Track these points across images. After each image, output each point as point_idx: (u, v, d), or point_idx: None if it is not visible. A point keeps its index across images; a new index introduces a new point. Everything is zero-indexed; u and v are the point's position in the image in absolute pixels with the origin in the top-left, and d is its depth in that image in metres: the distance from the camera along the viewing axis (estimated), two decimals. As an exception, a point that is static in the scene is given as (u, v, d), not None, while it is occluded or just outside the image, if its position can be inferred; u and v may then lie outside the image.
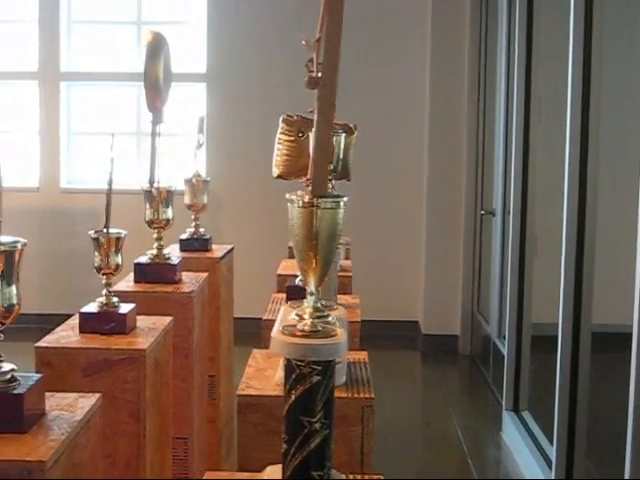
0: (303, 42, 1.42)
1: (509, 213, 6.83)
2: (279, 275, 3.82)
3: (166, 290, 3.53)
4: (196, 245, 4.34)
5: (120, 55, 8.52)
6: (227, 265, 4.50)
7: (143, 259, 3.66)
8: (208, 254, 4.37)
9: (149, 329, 2.93)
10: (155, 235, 3.64)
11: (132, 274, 3.72)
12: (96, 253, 2.83)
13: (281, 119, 3.12)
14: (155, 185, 3.61)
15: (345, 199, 1.44)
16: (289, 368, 1.42)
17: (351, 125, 3.18)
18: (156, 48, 3.40)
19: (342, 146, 2.40)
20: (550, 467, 4.58)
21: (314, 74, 1.37)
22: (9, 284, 1.98)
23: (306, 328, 1.39)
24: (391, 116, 8.30)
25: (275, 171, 3.14)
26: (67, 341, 2.76)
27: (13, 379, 2.02)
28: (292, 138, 3.08)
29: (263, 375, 2.43)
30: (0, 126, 8.54)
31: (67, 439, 1.96)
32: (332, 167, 2.39)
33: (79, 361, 2.70)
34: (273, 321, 3.04)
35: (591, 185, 4.42)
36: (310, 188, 1.38)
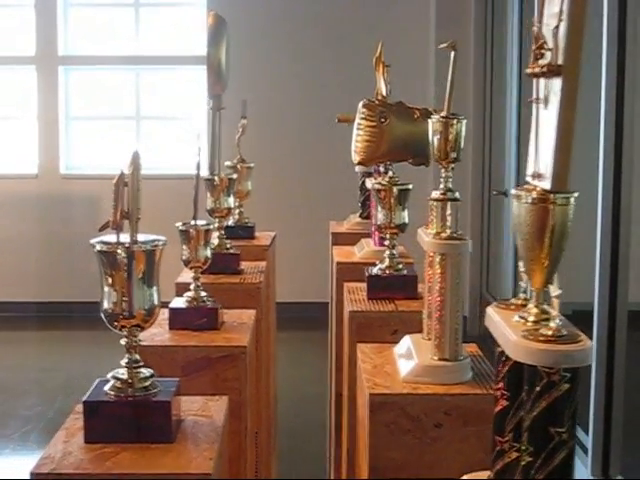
0: (534, 28, 1.32)
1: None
2: (339, 263, 3.72)
3: (232, 281, 3.42)
4: (241, 233, 4.22)
5: (118, 38, 8.35)
6: (272, 252, 4.39)
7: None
8: (255, 242, 4.26)
9: (238, 324, 2.82)
10: (217, 224, 3.52)
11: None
12: (184, 246, 2.71)
13: (361, 104, 3.03)
14: (216, 173, 3.48)
15: (576, 194, 1.34)
16: (532, 375, 1.33)
17: (431, 109, 3.09)
18: (218, 31, 3.28)
19: (463, 133, 2.30)
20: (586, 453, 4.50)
21: (552, 61, 1.27)
22: (150, 285, 1.87)
23: (550, 333, 1.30)
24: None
25: (355, 158, 3.04)
26: (162, 339, 2.65)
27: (153, 385, 1.91)
28: (374, 124, 2.99)
29: (383, 372, 2.34)
30: (-2, 112, 8.35)
31: (219, 448, 1.86)
32: (453, 156, 2.29)
33: (177, 360, 2.59)
34: (361, 312, 2.96)
35: (626, 165, 4.37)
36: (549, 182, 1.28)
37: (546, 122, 1.33)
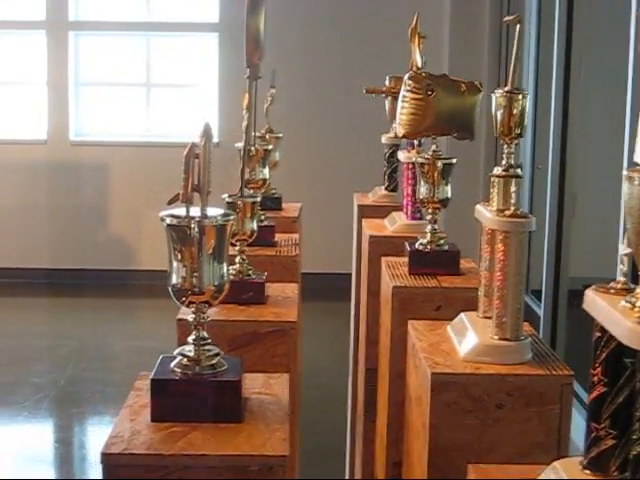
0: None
1: (539, 167, 6.75)
2: (372, 237, 3.68)
3: (268, 254, 3.37)
4: (269, 204, 4.16)
5: (129, 4, 8.24)
6: (299, 224, 4.34)
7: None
8: (282, 213, 4.21)
9: (283, 298, 2.78)
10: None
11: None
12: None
13: (407, 76, 2.97)
14: (251, 144, 3.42)
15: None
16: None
17: (477, 83, 3.04)
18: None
19: (527, 109, 2.24)
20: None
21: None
22: (220, 261, 1.82)
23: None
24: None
25: (400, 130, 2.99)
26: (211, 312, 2.59)
27: (220, 363, 1.87)
28: (420, 96, 2.93)
29: (440, 350, 2.30)
30: (7, 77, 8.25)
31: (289, 427, 1.82)
32: (517, 132, 2.24)
33: (225, 334, 2.54)
34: (405, 287, 2.91)
35: None
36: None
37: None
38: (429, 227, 3.10)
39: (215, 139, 8.19)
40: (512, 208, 2.20)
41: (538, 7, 6.75)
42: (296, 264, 3.34)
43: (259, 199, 2.72)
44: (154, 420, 1.80)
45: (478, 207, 2.35)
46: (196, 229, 1.77)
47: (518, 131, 2.25)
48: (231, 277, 2.61)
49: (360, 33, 7.92)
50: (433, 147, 3.08)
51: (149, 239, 8.28)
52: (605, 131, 6.10)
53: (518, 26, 2.25)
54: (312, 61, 8.02)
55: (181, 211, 1.82)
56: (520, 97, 2.23)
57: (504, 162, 2.27)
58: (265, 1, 3.26)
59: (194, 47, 8.33)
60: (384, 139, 4.49)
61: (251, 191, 3.42)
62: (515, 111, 2.24)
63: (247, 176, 3.37)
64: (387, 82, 4.53)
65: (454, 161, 3.07)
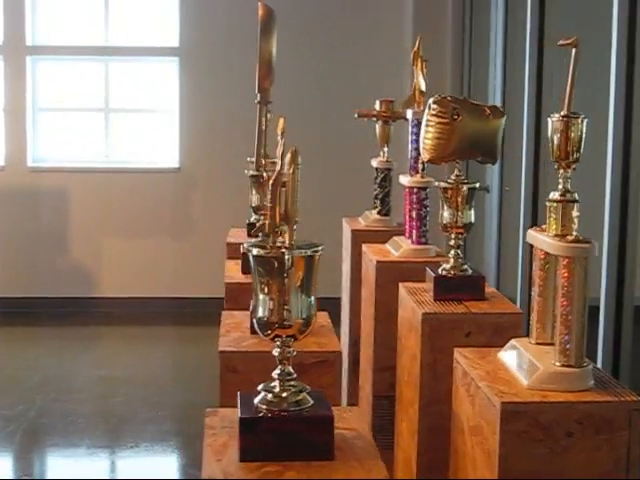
0: None
1: (507, 189, 6.77)
2: (380, 262, 3.64)
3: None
4: (265, 230, 4.10)
5: (87, 28, 8.13)
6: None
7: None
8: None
9: (318, 327, 2.72)
10: (261, 222, 3.40)
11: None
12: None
13: (432, 100, 2.95)
14: (262, 169, 3.38)
15: None
16: None
17: (499, 107, 3.04)
18: (269, 23, 3.18)
19: (584, 134, 2.23)
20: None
21: None
22: (308, 294, 1.77)
23: None
24: (364, 89, 8.09)
25: (425, 155, 2.97)
26: (248, 343, 2.54)
27: (305, 400, 1.81)
28: (446, 120, 2.92)
29: (499, 378, 2.27)
30: (-37, 103, 8.08)
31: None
32: (576, 156, 2.22)
33: (270, 366, 2.47)
34: (435, 314, 2.88)
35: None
36: None
37: None
38: (452, 252, 3.07)
39: (175, 164, 8.14)
40: (574, 233, 2.17)
41: (505, 11, 6.74)
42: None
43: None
44: (243, 460, 1.74)
45: (531, 232, 2.33)
46: (283, 260, 1.71)
47: (576, 156, 2.23)
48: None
49: (349, 57, 7.89)
50: (456, 172, 3.06)
51: (109, 266, 8.15)
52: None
53: (574, 50, 2.23)
54: (294, 83, 7.97)
55: (266, 242, 1.75)
56: (578, 121, 2.21)
57: (560, 187, 2.25)
58: (277, 25, 3.24)
59: (154, 72, 8.23)
60: (375, 163, 4.46)
61: (261, 217, 3.37)
62: (573, 135, 2.22)
63: (257, 202, 3.33)
64: (377, 106, 4.51)
65: (477, 185, 3.05)
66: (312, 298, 1.78)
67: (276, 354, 1.81)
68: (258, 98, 3.34)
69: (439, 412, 2.92)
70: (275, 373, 1.82)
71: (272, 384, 1.81)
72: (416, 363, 2.97)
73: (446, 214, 3.05)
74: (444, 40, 7.74)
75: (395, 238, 3.92)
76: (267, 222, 1.75)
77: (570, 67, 2.24)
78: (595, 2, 6.07)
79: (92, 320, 8.15)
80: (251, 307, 1.77)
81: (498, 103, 6.91)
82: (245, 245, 1.77)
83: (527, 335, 2.43)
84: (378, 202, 4.48)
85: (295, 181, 1.75)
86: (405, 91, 7.82)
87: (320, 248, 1.76)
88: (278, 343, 1.80)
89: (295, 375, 1.82)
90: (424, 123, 2.95)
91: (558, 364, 2.19)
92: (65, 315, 8.15)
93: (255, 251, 1.74)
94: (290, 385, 1.80)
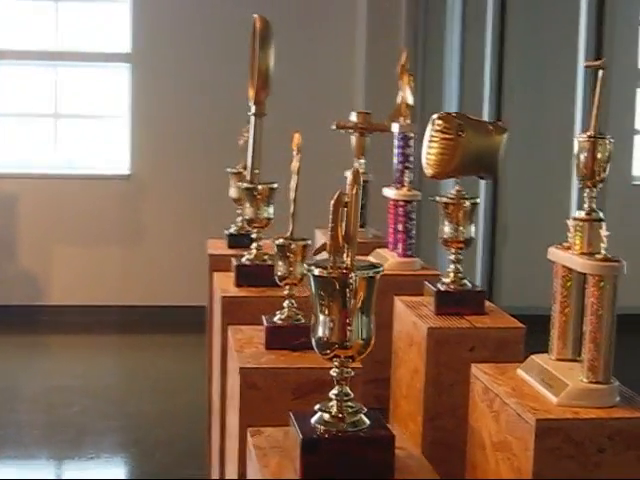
0: None
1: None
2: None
3: (279, 294, 3.31)
4: (245, 241, 4.09)
5: (37, 33, 8.01)
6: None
7: (243, 261, 3.43)
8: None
9: (330, 343, 2.72)
10: (254, 235, 3.41)
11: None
12: (280, 262, 2.60)
13: (436, 116, 2.97)
14: (256, 182, 3.37)
15: None
16: None
17: (501, 123, 3.08)
18: (267, 35, 3.17)
19: (610, 154, 2.27)
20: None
21: None
22: (368, 314, 1.77)
23: None
24: (313, 99, 8.11)
25: (428, 171, 3.00)
26: (267, 359, 2.54)
27: (362, 420, 1.81)
28: (450, 136, 2.94)
29: (526, 394, 2.30)
30: None
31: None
32: (603, 176, 2.26)
33: (289, 382, 2.48)
34: (439, 328, 2.90)
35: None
36: None
37: None
38: (452, 267, 3.10)
39: (127, 171, 8.05)
40: (603, 252, 2.21)
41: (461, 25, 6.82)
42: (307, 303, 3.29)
43: (309, 242, 2.66)
44: (304, 480, 1.73)
45: (554, 250, 2.36)
46: (345, 282, 1.71)
47: (602, 176, 2.27)
48: (279, 322, 2.57)
49: (297, 67, 7.87)
50: (457, 187, 3.08)
51: (59, 273, 8.03)
52: (539, 160, 6.23)
53: (601, 72, 2.28)
54: (180, 88, 7.93)
55: (326, 261, 1.75)
56: (606, 142, 2.25)
57: (586, 206, 2.29)
58: (274, 38, 3.24)
59: (105, 78, 8.14)
60: (348, 175, 4.46)
61: (255, 230, 3.37)
62: (600, 156, 2.26)
63: (251, 215, 3.32)
64: (354, 117, 4.53)
65: (478, 200, 3.09)
66: (371, 318, 1.78)
67: (334, 374, 1.81)
68: (253, 110, 3.33)
69: (442, 426, 2.95)
70: (332, 393, 1.82)
71: (330, 404, 1.81)
72: (418, 377, 2.99)
73: (447, 229, 3.07)
74: (397, 52, 7.77)
75: (379, 250, 3.94)
76: (329, 242, 1.75)
77: (597, 88, 2.27)
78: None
79: (42, 328, 8.03)
80: (311, 326, 1.76)
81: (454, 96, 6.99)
82: (305, 266, 1.76)
83: (544, 351, 2.46)
84: (354, 214, 4.48)
85: (357, 202, 1.75)
86: (357, 102, 7.88)
87: (381, 269, 1.76)
88: (336, 363, 1.80)
89: (352, 395, 1.82)
90: (427, 138, 2.97)
91: (586, 380, 2.22)
92: (14, 323, 8.01)
93: (317, 272, 1.74)
94: (348, 405, 1.80)
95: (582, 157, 2.28)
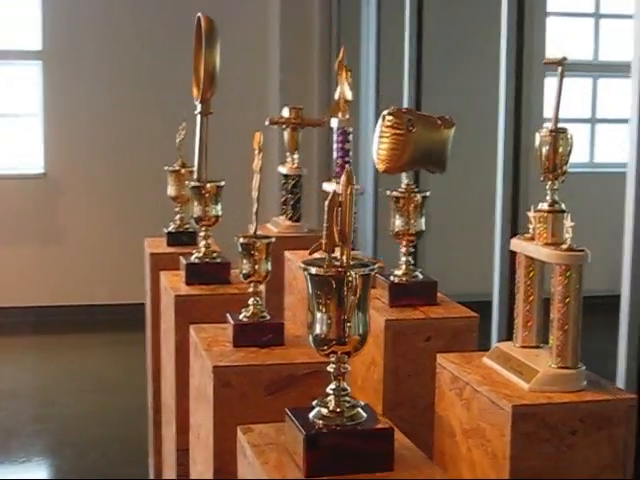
0: None
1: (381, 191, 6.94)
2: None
3: (231, 292, 3.34)
4: (185, 239, 4.11)
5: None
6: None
7: (192, 260, 3.44)
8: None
9: (294, 337, 2.77)
10: (202, 233, 3.42)
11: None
12: (245, 260, 2.63)
13: (386, 112, 3.03)
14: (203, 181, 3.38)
15: None
16: None
17: (448, 117, 3.15)
18: (213, 35, 3.19)
19: (572, 148, 2.36)
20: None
21: None
22: (364, 311, 1.82)
23: None
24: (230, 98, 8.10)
25: (380, 166, 3.05)
26: (237, 357, 2.56)
27: (359, 414, 1.86)
28: (401, 132, 3.01)
29: (496, 382, 2.37)
30: None
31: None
32: (565, 169, 2.35)
33: (261, 379, 2.52)
34: (397, 320, 2.96)
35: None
36: None
37: None
38: (404, 259, 3.16)
39: (41, 169, 7.94)
40: (568, 242, 2.30)
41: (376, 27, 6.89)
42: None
43: (274, 240, 2.70)
44: (308, 475, 1.77)
45: (517, 241, 2.44)
46: (341, 279, 1.76)
47: (564, 169, 2.35)
48: (245, 319, 2.60)
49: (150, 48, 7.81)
50: (407, 181, 3.15)
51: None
52: (460, 150, 6.31)
53: (560, 68, 2.36)
54: (92, 85, 7.86)
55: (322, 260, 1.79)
56: (567, 136, 2.34)
57: (548, 198, 2.37)
58: (220, 36, 3.26)
59: (16, 75, 8.00)
60: (286, 170, 4.51)
61: (203, 228, 3.39)
62: (561, 149, 2.34)
63: (199, 213, 3.34)
64: (286, 113, 4.56)
65: (428, 194, 3.15)
66: (367, 315, 1.83)
67: (331, 370, 1.85)
68: (199, 109, 3.34)
69: (401, 416, 3.00)
70: (330, 388, 1.85)
71: (327, 399, 1.85)
72: (376, 369, 3.04)
73: (398, 222, 3.13)
74: (311, 51, 7.83)
75: (320, 244, 3.98)
76: (324, 241, 1.79)
77: (557, 84, 2.36)
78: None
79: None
80: (307, 324, 1.80)
81: (371, 110, 7.08)
82: (300, 264, 1.80)
83: (507, 339, 2.54)
84: (289, 208, 4.52)
85: (351, 201, 1.79)
86: (272, 100, 7.91)
87: (376, 266, 1.81)
88: (333, 359, 1.84)
89: (349, 390, 1.86)
90: (377, 134, 3.02)
91: (555, 366, 2.31)
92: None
93: (314, 270, 1.77)
94: (345, 400, 1.85)
95: (544, 150, 2.36)
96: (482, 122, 5.70)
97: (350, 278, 1.76)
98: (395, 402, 3.00)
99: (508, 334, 4.99)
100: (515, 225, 5.02)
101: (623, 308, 4.14)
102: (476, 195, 6.85)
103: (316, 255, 1.80)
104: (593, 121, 8.90)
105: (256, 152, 2.62)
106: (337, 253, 1.80)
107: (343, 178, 1.80)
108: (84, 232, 7.96)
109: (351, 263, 1.80)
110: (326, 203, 1.79)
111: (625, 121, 8.58)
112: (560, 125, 2.36)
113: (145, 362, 4.85)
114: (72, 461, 5.51)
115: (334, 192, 1.79)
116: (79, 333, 7.96)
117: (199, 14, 3.28)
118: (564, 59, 2.35)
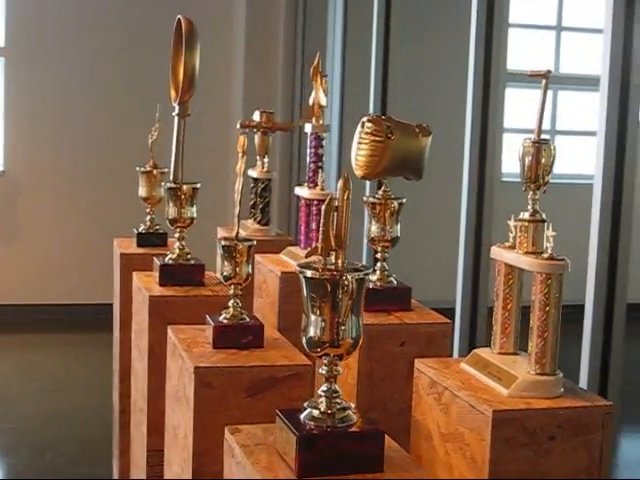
0: None
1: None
2: (285, 273, 3.71)
3: (205, 294, 3.35)
4: (155, 240, 4.11)
5: None
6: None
7: (166, 261, 3.45)
8: (169, 249, 4.15)
9: (273, 339, 2.79)
10: (177, 235, 3.43)
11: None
12: (226, 263, 2.65)
13: (366, 119, 3.07)
14: (179, 182, 3.39)
15: None
16: None
17: (425, 125, 3.19)
18: (193, 37, 3.20)
19: (554, 159, 2.41)
20: None
21: None
22: (357, 314, 1.85)
23: None
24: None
25: (358, 172, 3.09)
26: (217, 358, 2.58)
27: (350, 417, 1.89)
28: (380, 139, 3.04)
29: (475, 387, 2.41)
30: None
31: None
32: (547, 179, 2.40)
33: (242, 381, 2.53)
34: (373, 325, 2.99)
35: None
36: None
37: None
38: (379, 265, 3.19)
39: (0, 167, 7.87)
40: (549, 251, 2.34)
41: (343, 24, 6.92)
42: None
43: (255, 243, 2.71)
44: (300, 475, 1.79)
45: (497, 249, 2.48)
46: (336, 283, 1.78)
47: (546, 179, 2.40)
48: (225, 321, 2.62)
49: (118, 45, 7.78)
50: (383, 187, 3.18)
51: None
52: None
53: (544, 81, 2.41)
54: (57, 82, 7.82)
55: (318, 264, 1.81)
56: (550, 147, 2.39)
57: (530, 207, 2.42)
58: (199, 38, 3.27)
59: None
60: (256, 173, 4.52)
61: (177, 230, 3.40)
62: (544, 160, 2.39)
63: (174, 214, 3.35)
64: (257, 117, 4.58)
65: (404, 200, 3.19)
66: (360, 318, 1.86)
67: (323, 372, 1.88)
68: (177, 111, 3.35)
69: (374, 419, 3.03)
70: (321, 390, 1.88)
71: (319, 400, 1.87)
72: (351, 373, 3.07)
73: (374, 228, 3.17)
74: (277, 56, 7.85)
75: (290, 249, 4.00)
76: (320, 245, 1.81)
77: (540, 96, 2.41)
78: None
79: None
80: (302, 326, 1.83)
81: (336, 111, 7.11)
82: (297, 267, 1.82)
83: (485, 346, 2.58)
84: (258, 212, 4.54)
85: (348, 206, 1.81)
86: (235, 101, 7.91)
87: (371, 270, 1.84)
88: (325, 361, 1.86)
89: (341, 392, 1.89)
90: (356, 140, 3.06)
91: (533, 372, 2.35)
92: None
93: (309, 273, 1.80)
94: (336, 402, 1.87)
95: (527, 161, 2.40)
96: (448, 128, 5.74)
97: (346, 282, 1.78)
98: (369, 406, 3.03)
99: (470, 341, 5.04)
100: (479, 233, 5.07)
101: (587, 318, 4.22)
102: (442, 201, 6.91)
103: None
104: (553, 133, 9.01)
105: (240, 155, 2.63)
106: (332, 257, 1.82)
107: (340, 183, 1.83)
108: (44, 231, 7.90)
109: (350, 267, 1.83)
110: (323, 207, 1.81)
111: (585, 134, 8.74)
112: (530, 136, 2.42)
113: (108, 362, 4.84)
114: (28, 461, 5.47)
115: (331, 197, 1.81)
116: (38, 333, 7.89)
117: (179, 16, 3.28)
118: (549, 72, 2.40)
